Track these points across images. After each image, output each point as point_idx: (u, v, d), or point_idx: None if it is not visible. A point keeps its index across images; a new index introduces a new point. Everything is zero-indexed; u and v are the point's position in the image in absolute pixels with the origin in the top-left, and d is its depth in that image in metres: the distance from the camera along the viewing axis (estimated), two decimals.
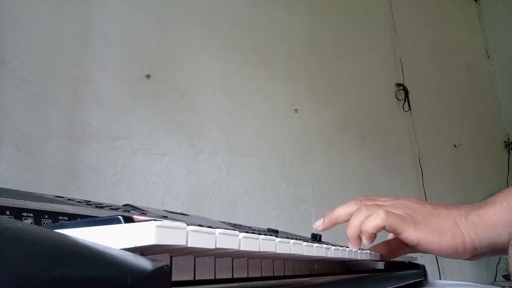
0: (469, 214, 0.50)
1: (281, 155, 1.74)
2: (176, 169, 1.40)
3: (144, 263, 0.15)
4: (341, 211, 0.54)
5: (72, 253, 0.14)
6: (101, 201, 0.54)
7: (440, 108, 2.68)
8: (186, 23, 1.58)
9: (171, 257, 0.23)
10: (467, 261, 0.56)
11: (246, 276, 0.30)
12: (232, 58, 1.69)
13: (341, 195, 1.84)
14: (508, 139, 3.06)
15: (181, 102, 1.48)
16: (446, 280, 2.13)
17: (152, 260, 0.16)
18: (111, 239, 0.18)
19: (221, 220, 0.72)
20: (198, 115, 1.51)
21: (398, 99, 2.42)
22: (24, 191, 0.42)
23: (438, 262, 2.12)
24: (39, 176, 1.12)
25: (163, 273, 0.15)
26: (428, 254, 0.53)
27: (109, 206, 0.46)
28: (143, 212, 0.50)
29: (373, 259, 0.50)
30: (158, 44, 1.48)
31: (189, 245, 0.19)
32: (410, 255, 0.62)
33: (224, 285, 0.25)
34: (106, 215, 0.22)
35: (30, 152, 1.12)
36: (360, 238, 0.50)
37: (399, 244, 0.55)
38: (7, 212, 0.29)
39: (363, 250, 0.47)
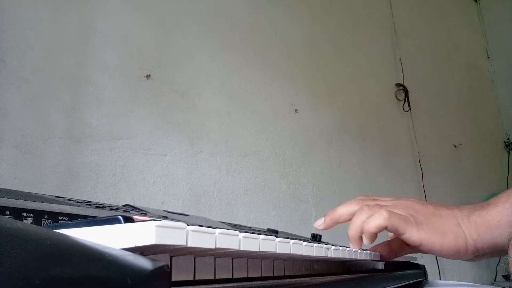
0: (471, 215, 0.49)
1: (281, 155, 1.74)
2: (176, 169, 1.40)
3: (144, 263, 0.15)
4: (343, 211, 0.54)
5: (72, 253, 0.14)
6: (101, 201, 0.54)
7: (440, 108, 2.68)
8: (186, 23, 1.58)
9: (171, 257, 0.23)
10: (467, 262, 0.56)
11: (246, 276, 0.30)
12: (232, 58, 1.69)
13: (341, 195, 1.84)
14: (508, 139, 3.06)
15: (181, 102, 1.48)
16: (446, 280, 2.14)
17: (152, 260, 0.16)
18: (111, 239, 0.18)
19: (221, 220, 0.72)
20: (198, 115, 1.51)
21: (398, 99, 2.42)
22: (24, 191, 0.42)
23: (438, 262, 2.12)
24: (39, 176, 1.12)
25: (163, 273, 0.15)
26: (428, 254, 0.53)
27: (109, 206, 0.46)
28: (143, 212, 0.50)
29: (373, 259, 0.50)
30: (158, 44, 1.48)
31: (189, 245, 0.19)
32: (410, 255, 0.62)
33: (224, 285, 0.25)
34: (106, 215, 0.22)
35: (30, 152, 1.12)
36: (361, 238, 0.50)
37: (400, 244, 0.55)
38: (7, 212, 0.29)
39: (363, 250, 0.47)
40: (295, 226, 1.67)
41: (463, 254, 0.49)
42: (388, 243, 0.56)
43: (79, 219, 0.30)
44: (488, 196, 0.52)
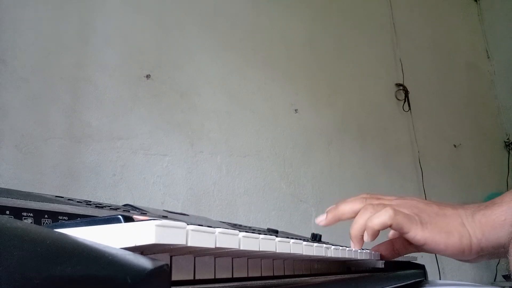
0: (475, 214, 0.49)
1: (281, 155, 1.74)
2: (176, 169, 1.40)
3: (144, 262, 0.15)
4: (346, 208, 0.53)
5: (72, 252, 0.14)
6: (101, 201, 0.54)
7: (440, 108, 2.68)
8: (186, 23, 1.58)
9: (171, 257, 0.23)
10: (467, 262, 0.55)
11: (246, 276, 0.30)
12: (232, 58, 1.69)
13: (341, 195, 1.83)
14: (508, 139, 3.06)
15: (181, 102, 1.48)
16: (446, 280, 2.13)
17: (152, 259, 0.16)
18: (111, 238, 0.18)
19: (221, 220, 0.72)
20: (198, 115, 1.51)
21: (398, 99, 2.42)
22: (24, 191, 0.42)
23: (438, 262, 2.12)
24: (39, 176, 1.12)
25: (163, 272, 0.15)
26: (428, 254, 0.53)
27: (109, 206, 0.46)
28: (143, 212, 0.50)
29: (373, 258, 0.50)
30: (158, 44, 1.48)
31: (189, 245, 0.19)
32: (410, 255, 0.62)
33: (224, 284, 0.25)
34: (106, 215, 0.22)
35: (30, 152, 1.12)
36: (363, 237, 0.49)
37: (403, 244, 0.54)
38: (7, 212, 0.29)
39: (363, 250, 0.47)
40: (295, 226, 1.67)
41: (467, 253, 0.48)
42: (391, 242, 0.56)
43: (79, 218, 0.30)
44: (488, 196, 0.51)
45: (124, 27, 1.40)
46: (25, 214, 0.30)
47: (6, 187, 0.48)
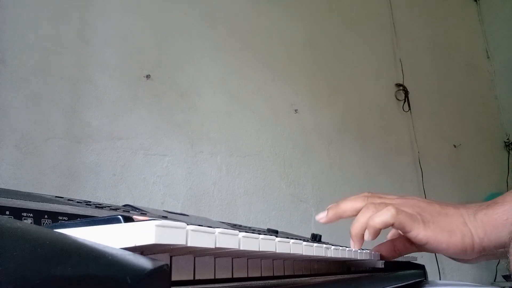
0: (477, 214, 0.49)
1: (281, 155, 1.74)
2: (176, 169, 1.40)
3: (144, 263, 0.15)
4: (348, 206, 0.53)
5: (72, 252, 0.14)
6: (101, 201, 0.54)
7: (440, 108, 2.68)
8: (186, 23, 1.58)
9: (170, 257, 0.23)
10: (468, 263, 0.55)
11: (246, 276, 0.30)
12: (232, 58, 1.69)
13: (341, 195, 1.83)
14: (508, 139, 3.06)
15: (181, 102, 1.48)
16: (446, 280, 2.13)
17: (152, 259, 0.16)
18: (111, 238, 0.18)
19: (221, 221, 0.72)
20: (198, 115, 1.51)
21: (398, 99, 2.42)
22: (24, 191, 0.42)
23: (438, 262, 2.12)
24: (39, 176, 1.12)
25: (162, 272, 0.15)
26: (428, 254, 0.53)
27: (109, 206, 0.46)
28: (143, 212, 0.50)
29: (373, 258, 0.50)
30: (158, 44, 1.48)
31: (188, 245, 0.19)
32: (410, 255, 0.62)
33: (223, 284, 0.25)
34: (106, 215, 0.22)
35: (30, 152, 1.12)
36: (363, 237, 0.49)
37: (403, 243, 0.54)
38: (7, 212, 0.29)
39: (363, 250, 0.47)
40: (295, 226, 1.67)
41: (469, 253, 0.48)
42: (391, 242, 0.56)
43: (79, 219, 0.30)
44: (488, 196, 0.51)
45: (124, 27, 1.40)
46: (25, 214, 0.30)
47: (6, 187, 0.48)
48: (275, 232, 0.70)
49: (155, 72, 1.43)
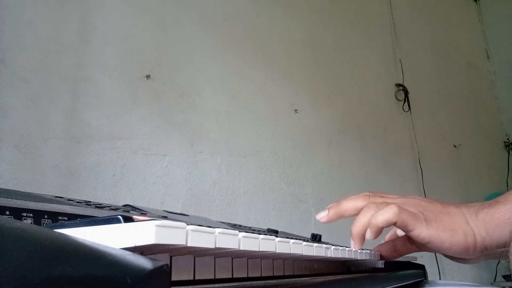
0: (479, 213, 0.49)
1: (281, 155, 1.74)
2: (176, 169, 1.40)
3: (144, 263, 0.15)
4: (349, 205, 0.53)
5: (71, 252, 0.14)
6: (101, 202, 0.54)
7: (440, 108, 2.68)
8: (186, 23, 1.58)
9: (170, 257, 0.23)
10: (467, 264, 0.55)
11: (246, 276, 0.30)
12: (232, 58, 1.69)
13: (341, 195, 1.82)
14: (508, 139, 3.06)
15: (181, 102, 1.48)
16: (446, 280, 2.13)
17: (152, 259, 0.16)
18: (111, 238, 0.18)
19: (221, 221, 0.72)
20: (198, 115, 1.51)
21: (398, 99, 2.42)
22: (24, 191, 0.42)
23: (438, 262, 2.12)
24: (39, 176, 1.12)
25: (162, 272, 0.15)
26: (428, 254, 0.53)
27: (109, 206, 0.46)
28: (142, 212, 0.50)
29: (373, 258, 0.50)
30: (158, 44, 1.48)
31: (188, 245, 0.19)
32: (410, 255, 0.62)
33: (223, 284, 0.25)
34: (106, 215, 0.22)
35: (30, 152, 1.12)
36: (364, 236, 0.49)
37: (404, 243, 0.54)
38: (7, 212, 0.29)
39: (363, 250, 0.47)
40: (295, 226, 1.67)
41: (471, 252, 0.48)
42: (391, 242, 0.56)
43: (79, 219, 0.30)
44: (488, 197, 0.51)
45: (124, 27, 1.40)
46: (25, 214, 0.30)
47: (6, 187, 0.48)
48: (275, 232, 0.70)
49: (155, 72, 1.43)
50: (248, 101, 1.69)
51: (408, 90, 2.44)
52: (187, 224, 0.19)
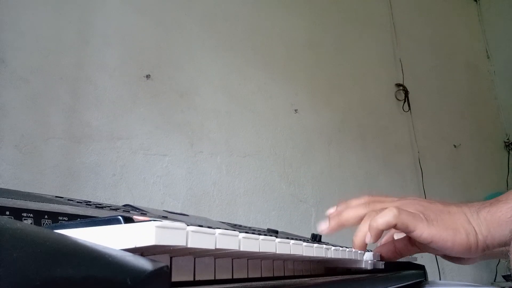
0: (480, 212, 0.49)
1: (281, 155, 1.74)
2: (176, 169, 1.40)
3: (144, 264, 0.15)
4: (350, 214, 0.53)
5: (71, 253, 0.14)
6: (101, 202, 0.54)
7: (440, 108, 2.68)
8: (186, 23, 1.58)
9: (171, 258, 0.23)
10: (467, 264, 0.55)
11: (246, 277, 0.30)
12: (232, 58, 1.69)
13: (341, 195, 1.84)
14: (508, 139, 3.06)
15: (181, 102, 1.48)
16: (446, 280, 2.13)
17: (152, 260, 0.16)
18: (111, 239, 0.18)
19: (221, 221, 0.72)
20: (198, 115, 1.51)
21: (398, 99, 2.42)
22: (24, 191, 0.42)
23: (438, 262, 2.12)
24: (39, 176, 1.12)
25: (162, 273, 0.15)
26: (428, 255, 0.53)
27: (109, 207, 0.46)
28: (143, 212, 0.50)
29: (373, 259, 0.50)
30: (158, 44, 1.48)
31: (189, 246, 0.19)
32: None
33: (224, 285, 0.25)
34: (106, 216, 0.22)
35: (30, 152, 1.12)
36: (365, 244, 0.49)
37: (405, 244, 0.54)
38: (7, 213, 0.29)
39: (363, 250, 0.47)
40: (295, 226, 1.67)
41: (473, 251, 0.48)
42: (392, 243, 0.56)
43: (79, 219, 0.30)
44: (488, 197, 0.51)
45: (124, 27, 1.40)
46: (25, 214, 0.30)
47: (6, 187, 0.48)
48: (275, 232, 0.70)
49: (155, 72, 1.43)
50: (248, 101, 1.69)
51: (408, 90, 2.44)
52: (187, 225, 0.19)
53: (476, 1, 3.37)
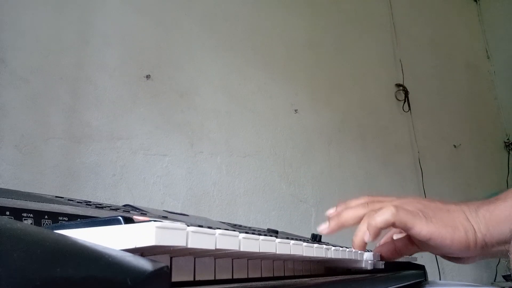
0: (479, 210, 0.49)
1: (281, 155, 1.74)
2: (176, 170, 1.40)
3: (144, 264, 0.15)
4: (349, 215, 0.53)
5: (72, 253, 0.14)
6: (101, 202, 0.54)
7: (440, 108, 2.68)
8: (186, 23, 1.58)
9: (171, 258, 0.23)
10: (466, 263, 0.55)
11: (246, 277, 0.30)
12: (232, 58, 1.69)
13: (341, 195, 1.84)
14: (508, 139, 3.06)
15: (181, 102, 1.48)
16: (446, 280, 2.13)
17: (152, 260, 0.16)
18: (111, 239, 0.18)
19: (221, 221, 0.72)
20: (198, 115, 1.51)
21: (398, 100, 2.42)
22: (24, 192, 0.42)
23: (438, 262, 2.12)
24: (39, 176, 1.12)
25: (163, 273, 0.15)
26: (428, 254, 0.53)
27: (109, 207, 0.46)
28: (143, 212, 0.50)
29: (373, 259, 0.50)
30: (158, 44, 1.48)
31: (189, 246, 0.19)
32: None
33: (224, 285, 0.25)
34: (106, 216, 0.22)
35: (30, 152, 1.12)
36: (365, 243, 0.49)
37: (405, 243, 0.54)
38: (7, 213, 0.29)
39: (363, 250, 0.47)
40: (295, 226, 1.67)
41: (472, 249, 0.48)
42: (392, 242, 0.56)
43: (79, 219, 0.30)
44: (488, 197, 0.51)
45: (124, 27, 1.40)
46: (25, 215, 0.30)
47: (6, 187, 0.48)
48: (275, 232, 0.70)
49: (155, 72, 1.43)
50: (248, 101, 1.69)
51: (408, 90, 2.44)
52: (187, 225, 0.19)
53: (476, 1, 3.37)
